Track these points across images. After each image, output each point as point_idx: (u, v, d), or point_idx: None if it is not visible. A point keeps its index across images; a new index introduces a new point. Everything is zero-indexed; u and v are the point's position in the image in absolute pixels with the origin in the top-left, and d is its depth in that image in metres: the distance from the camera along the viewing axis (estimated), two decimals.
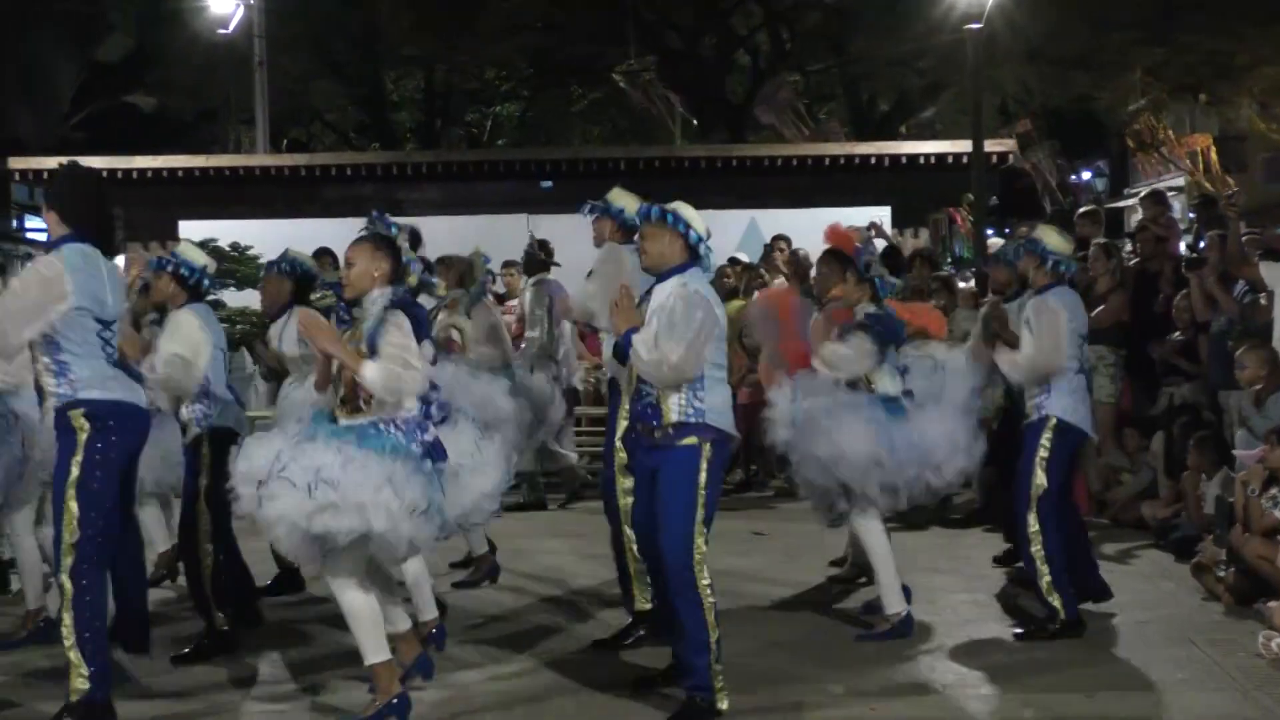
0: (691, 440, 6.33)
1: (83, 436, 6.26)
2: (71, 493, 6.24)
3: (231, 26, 25.65)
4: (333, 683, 6.95)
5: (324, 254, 10.26)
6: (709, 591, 6.30)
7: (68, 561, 6.26)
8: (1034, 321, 7.78)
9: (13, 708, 6.67)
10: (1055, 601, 7.68)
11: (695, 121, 30.56)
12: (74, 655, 6.22)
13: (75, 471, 6.25)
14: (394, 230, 6.55)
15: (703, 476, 6.34)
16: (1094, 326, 9.63)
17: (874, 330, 7.74)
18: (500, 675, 7.13)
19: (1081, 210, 13.55)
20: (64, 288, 6.22)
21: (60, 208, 6.46)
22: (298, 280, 8.44)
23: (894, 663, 7.26)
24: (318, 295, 8.38)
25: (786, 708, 6.54)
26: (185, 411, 7.44)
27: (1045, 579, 7.69)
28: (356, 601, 6.19)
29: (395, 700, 6.22)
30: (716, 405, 6.38)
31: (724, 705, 6.27)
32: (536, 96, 35.16)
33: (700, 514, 6.33)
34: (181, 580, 8.07)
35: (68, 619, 6.24)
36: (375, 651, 6.22)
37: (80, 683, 6.21)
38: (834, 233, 8.45)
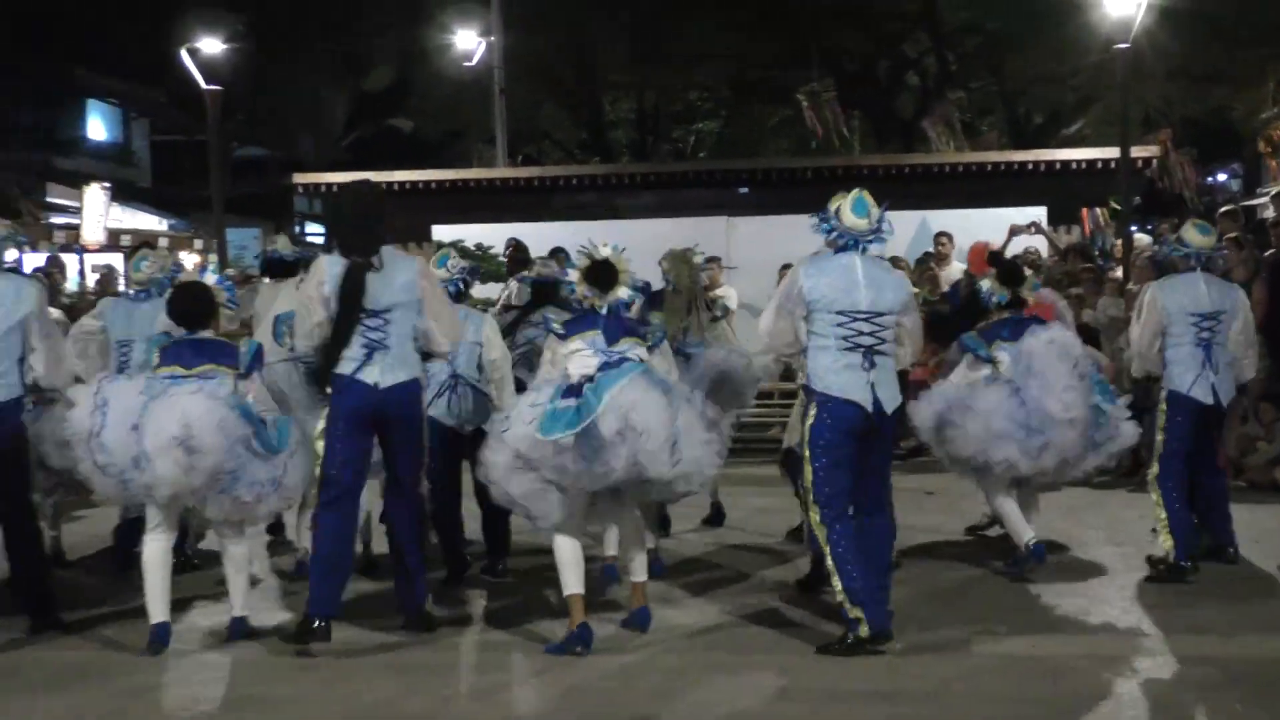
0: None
1: (331, 398, 6.61)
2: (320, 437, 6.65)
3: (475, 60, 26.12)
4: (538, 620, 7.00)
5: (557, 252, 10.32)
6: (824, 538, 6.28)
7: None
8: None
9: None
10: (1167, 544, 7.55)
11: (861, 134, 30.26)
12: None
13: (323, 423, 6.64)
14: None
15: (809, 433, 6.34)
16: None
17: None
18: (705, 612, 7.15)
19: (1223, 210, 13.14)
20: (323, 281, 6.58)
21: (326, 227, 6.80)
22: (538, 290, 8.48)
23: (1050, 607, 7.14)
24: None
25: (957, 644, 6.46)
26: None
27: (1163, 523, 7.60)
28: (560, 545, 6.47)
29: (578, 629, 6.38)
30: (818, 371, 6.34)
31: (862, 632, 6.19)
32: (733, 115, 35.13)
33: (808, 469, 6.32)
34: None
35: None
36: (570, 585, 6.45)
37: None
38: (974, 253, 8.49)
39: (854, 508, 6.47)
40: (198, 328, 6.76)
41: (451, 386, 7.70)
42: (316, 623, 6.46)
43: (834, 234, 6.47)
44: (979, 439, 7.59)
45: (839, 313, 6.33)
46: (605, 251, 6.75)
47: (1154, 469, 7.73)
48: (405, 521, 6.88)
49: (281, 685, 6.13)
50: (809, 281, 6.35)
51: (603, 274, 6.69)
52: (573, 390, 6.29)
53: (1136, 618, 6.92)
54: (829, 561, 6.30)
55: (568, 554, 6.47)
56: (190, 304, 6.81)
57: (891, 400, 6.43)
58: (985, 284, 8.07)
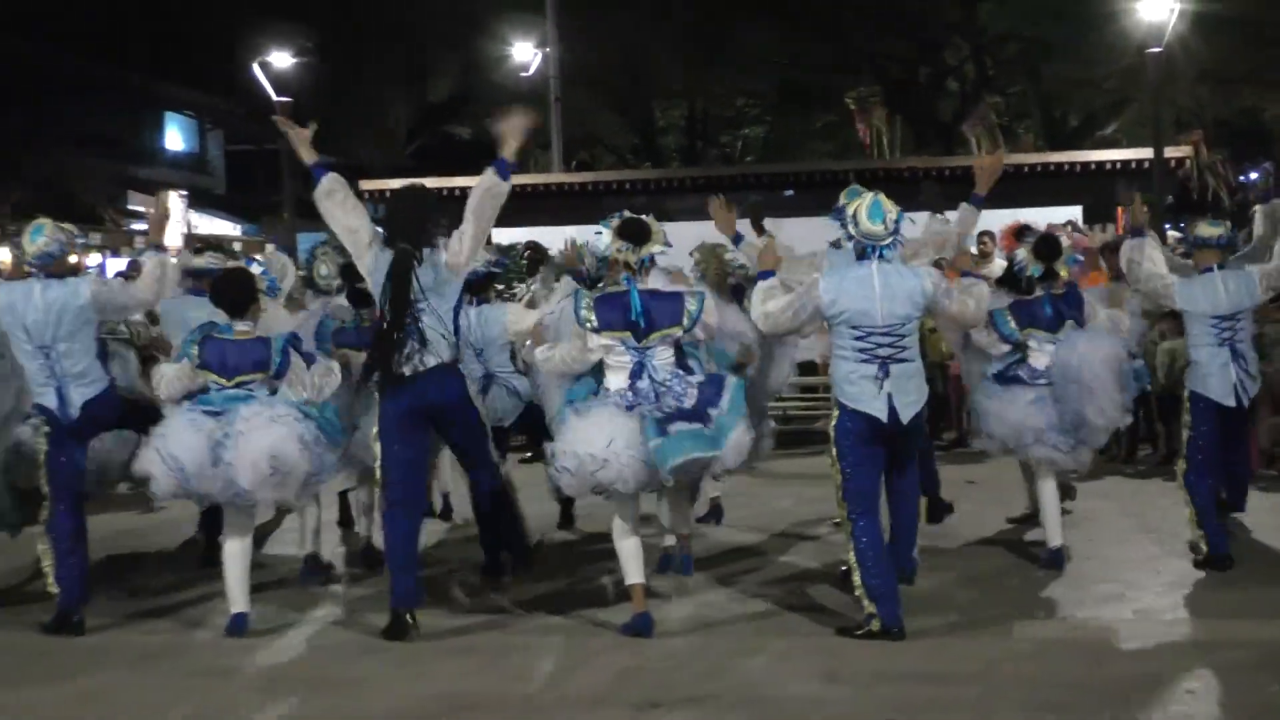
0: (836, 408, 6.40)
1: (379, 400, 6.58)
2: (376, 441, 6.61)
3: (531, 70, 26.25)
4: (597, 606, 7.02)
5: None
6: (849, 533, 6.28)
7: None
8: None
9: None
10: (1199, 534, 7.49)
11: (902, 137, 30.13)
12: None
13: (375, 426, 6.63)
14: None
15: (833, 434, 6.32)
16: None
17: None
18: (754, 598, 7.15)
19: (1257, 208, 12.92)
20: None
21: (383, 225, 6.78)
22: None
23: (1089, 593, 7.07)
24: None
25: (999, 628, 6.44)
26: None
27: (1190, 514, 7.55)
28: (621, 537, 6.48)
29: (640, 616, 6.42)
30: (837, 378, 6.33)
31: (874, 626, 6.20)
32: (778, 120, 35.04)
33: (835, 469, 6.31)
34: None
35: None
36: (631, 575, 6.47)
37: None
38: (1004, 234, 8.49)
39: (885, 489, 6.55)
40: (239, 314, 6.82)
41: (485, 388, 7.69)
42: (407, 616, 6.50)
43: (851, 240, 6.36)
44: (1015, 437, 7.53)
45: (855, 326, 6.24)
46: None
47: (1181, 464, 7.65)
48: (483, 492, 7.04)
49: (354, 666, 6.18)
50: (827, 296, 6.26)
51: (636, 229, 6.60)
52: (688, 414, 6.23)
53: (1171, 602, 6.85)
54: (851, 556, 6.30)
55: (628, 546, 6.48)
56: (235, 292, 6.88)
57: (910, 407, 6.31)
58: (1020, 254, 7.83)
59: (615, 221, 6.67)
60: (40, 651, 6.55)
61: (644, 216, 6.73)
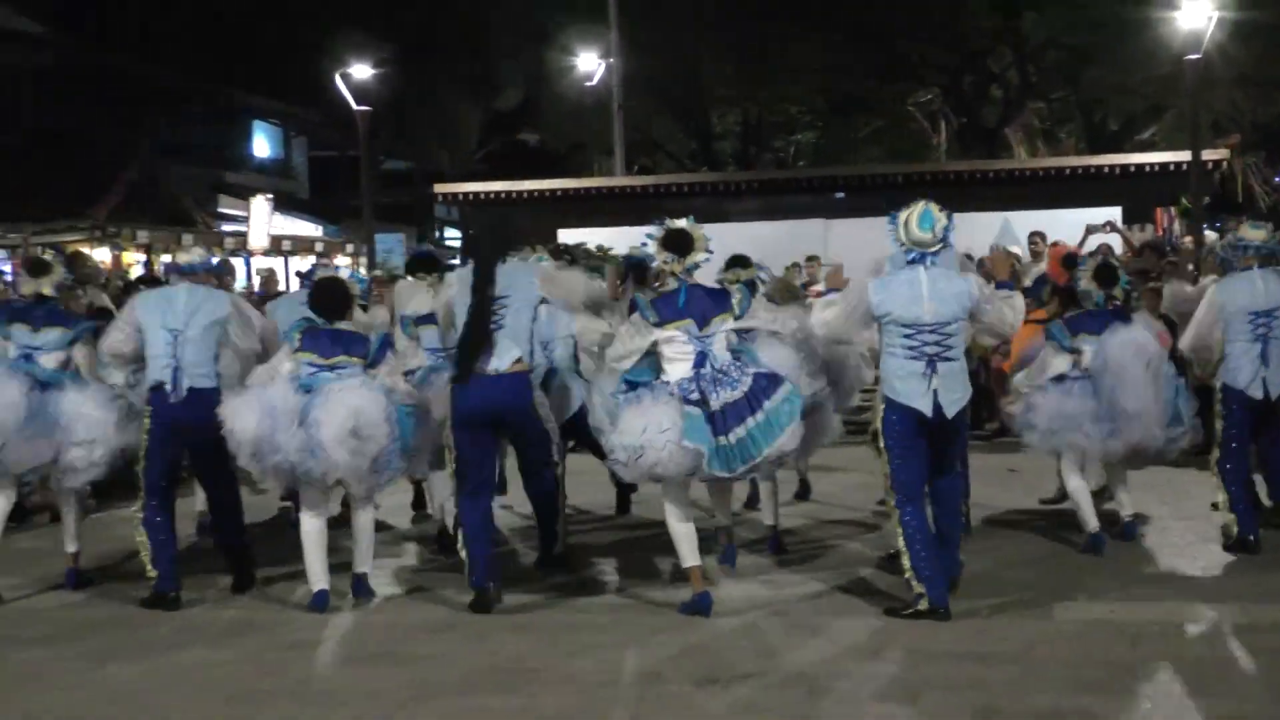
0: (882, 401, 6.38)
1: (451, 399, 6.73)
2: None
3: (595, 80, 26.28)
4: (655, 586, 7.03)
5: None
6: (897, 519, 6.25)
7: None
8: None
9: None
10: (1229, 519, 7.42)
11: (956, 142, 29.88)
12: (463, 553, 6.73)
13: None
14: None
15: (882, 427, 6.35)
16: None
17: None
18: (803, 581, 7.10)
19: None
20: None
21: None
22: (632, 268, 8.44)
23: (1127, 577, 6.97)
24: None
25: (1040, 609, 6.37)
26: None
27: (1222, 499, 7.49)
28: (675, 523, 6.46)
29: (700, 596, 6.40)
30: (886, 375, 6.32)
31: (922, 606, 6.17)
32: (829, 126, 34.86)
33: (884, 459, 6.31)
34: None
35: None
36: (687, 559, 6.46)
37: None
38: (1053, 259, 8.46)
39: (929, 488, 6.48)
40: (335, 318, 6.86)
41: (548, 381, 7.68)
42: (489, 588, 6.57)
43: (901, 246, 6.34)
44: (1050, 419, 7.51)
45: (905, 325, 6.23)
46: (681, 223, 6.68)
47: (1214, 454, 7.59)
48: (539, 491, 7.19)
49: (423, 643, 6.20)
50: (876, 298, 6.26)
51: (679, 240, 6.59)
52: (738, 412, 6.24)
53: (1208, 585, 6.76)
54: (900, 540, 6.29)
55: (681, 530, 6.45)
56: (328, 298, 6.92)
57: (955, 403, 6.29)
58: (1082, 283, 7.88)
59: (659, 233, 6.66)
60: (133, 626, 6.63)
61: (683, 223, 6.69)
